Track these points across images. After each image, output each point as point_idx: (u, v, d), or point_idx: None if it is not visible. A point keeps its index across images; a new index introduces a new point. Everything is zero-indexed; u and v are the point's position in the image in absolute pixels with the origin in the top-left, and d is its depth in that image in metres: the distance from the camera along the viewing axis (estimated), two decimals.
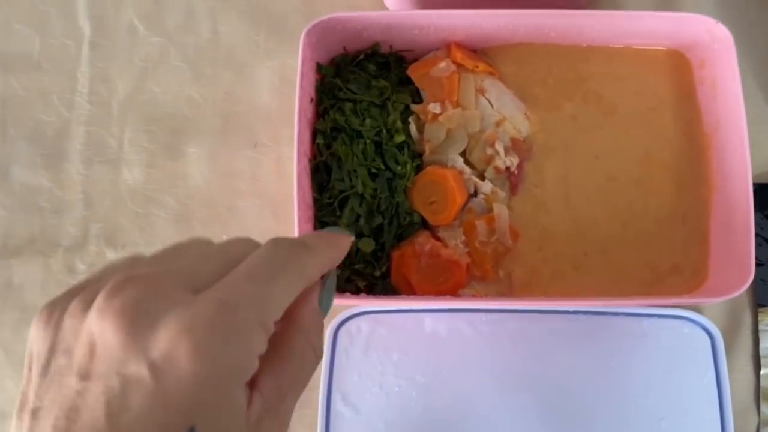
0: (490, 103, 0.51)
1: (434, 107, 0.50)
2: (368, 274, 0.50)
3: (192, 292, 0.24)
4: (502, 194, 0.50)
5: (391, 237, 0.50)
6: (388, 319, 0.51)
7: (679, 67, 0.52)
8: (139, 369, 0.22)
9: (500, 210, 0.50)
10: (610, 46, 0.53)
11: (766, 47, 0.57)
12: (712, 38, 0.49)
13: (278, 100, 0.59)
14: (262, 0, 0.58)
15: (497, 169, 0.50)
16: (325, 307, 0.29)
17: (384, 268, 0.50)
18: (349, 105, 0.51)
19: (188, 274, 0.25)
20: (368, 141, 0.50)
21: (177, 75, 0.58)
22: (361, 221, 0.49)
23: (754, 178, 0.55)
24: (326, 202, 0.50)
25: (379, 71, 0.53)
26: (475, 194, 0.51)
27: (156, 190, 0.57)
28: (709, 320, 0.51)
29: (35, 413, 0.23)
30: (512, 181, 0.51)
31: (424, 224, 0.51)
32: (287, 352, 0.26)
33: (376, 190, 0.49)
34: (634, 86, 0.52)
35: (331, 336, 0.51)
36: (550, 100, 0.52)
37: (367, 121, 0.50)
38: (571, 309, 0.50)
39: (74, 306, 0.24)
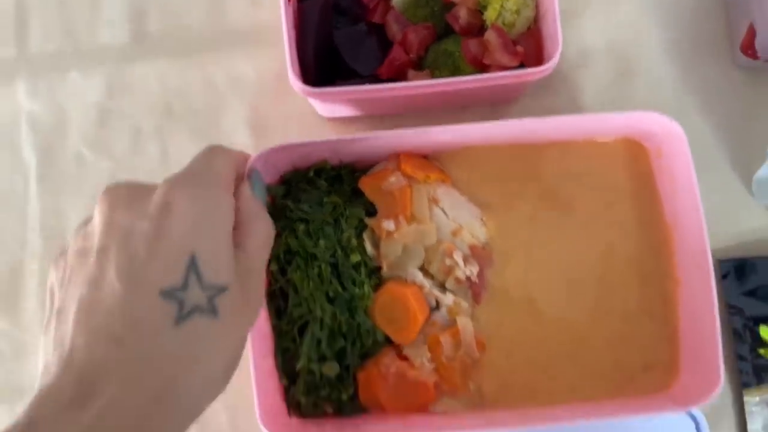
0: (445, 213, 0.50)
1: (388, 225, 0.49)
2: (335, 399, 0.49)
3: None
4: (464, 305, 0.49)
5: (356, 358, 0.49)
6: None
7: (636, 157, 0.51)
8: (141, 224, 0.30)
9: (464, 323, 0.49)
10: (564, 141, 0.51)
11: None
12: (665, 132, 0.48)
13: None
14: (212, 118, 0.58)
15: (458, 280, 0.49)
16: (259, 195, 0.39)
17: (351, 391, 0.49)
18: (301, 226, 0.50)
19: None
20: (323, 264, 0.49)
21: None
22: (323, 345, 0.48)
23: (729, 252, 0.55)
24: (285, 329, 0.49)
25: (330, 186, 0.52)
26: (438, 306, 0.50)
27: None
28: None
29: (59, 312, 0.29)
30: (474, 290, 0.50)
31: (390, 339, 0.50)
32: (249, 226, 0.35)
33: (335, 313, 0.48)
34: (592, 181, 0.51)
35: None
36: (505, 203, 0.51)
37: (321, 242, 0.49)
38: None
39: (72, 238, 0.32)
